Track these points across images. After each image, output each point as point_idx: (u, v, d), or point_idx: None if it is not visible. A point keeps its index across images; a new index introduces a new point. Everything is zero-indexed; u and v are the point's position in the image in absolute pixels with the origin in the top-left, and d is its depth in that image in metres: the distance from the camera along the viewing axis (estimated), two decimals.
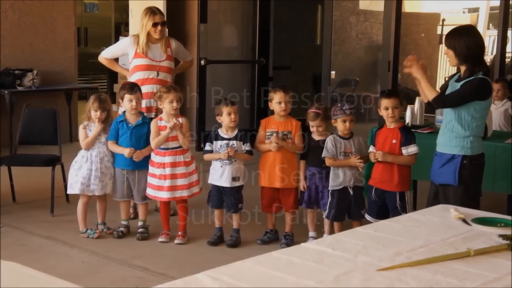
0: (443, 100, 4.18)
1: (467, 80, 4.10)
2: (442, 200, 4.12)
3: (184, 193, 5.05)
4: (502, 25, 8.86)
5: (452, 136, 4.18)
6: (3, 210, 5.76)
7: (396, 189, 4.64)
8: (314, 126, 4.96)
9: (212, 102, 7.53)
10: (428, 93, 4.18)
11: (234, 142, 4.96)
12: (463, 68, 4.18)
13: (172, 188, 5.01)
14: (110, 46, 5.97)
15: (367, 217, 4.77)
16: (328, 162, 4.84)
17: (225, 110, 4.94)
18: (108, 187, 5.17)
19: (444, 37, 4.23)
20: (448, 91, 4.25)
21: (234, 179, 4.98)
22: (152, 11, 5.58)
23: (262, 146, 5.07)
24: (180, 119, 5.05)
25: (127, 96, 5.09)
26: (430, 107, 4.29)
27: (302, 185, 5.04)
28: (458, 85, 4.15)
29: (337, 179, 4.83)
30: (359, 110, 10.51)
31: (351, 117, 4.81)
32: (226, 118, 4.94)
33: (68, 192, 5.31)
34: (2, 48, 8.48)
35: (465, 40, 4.11)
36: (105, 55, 5.81)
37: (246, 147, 4.99)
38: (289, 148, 5.01)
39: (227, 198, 5.04)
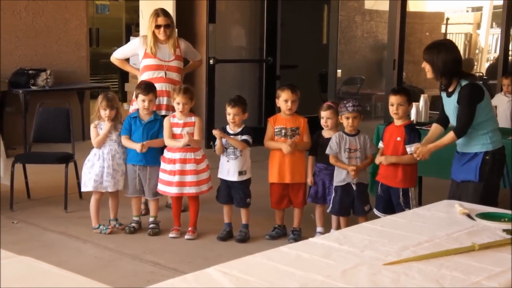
0: (459, 131, 4.16)
1: (458, 96, 4.11)
2: (463, 196, 4.08)
3: (192, 190, 5.05)
4: (505, 24, 8.82)
5: (471, 136, 4.17)
6: (18, 206, 5.79)
7: (399, 185, 4.63)
8: (324, 117, 4.94)
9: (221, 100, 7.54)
10: (450, 141, 4.22)
11: (238, 136, 4.98)
12: (442, 81, 4.21)
13: (181, 184, 5.01)
14: (121, 47, 6.00)
15: (375, 211, 4.76)
16: (330, 159, 4.85)
17: (227, 109, 4.98)
18: (120, 183, 5.18)
19: (423, 51, 4.24)
20: (446, 106, 4.28)
21: (240, 173, 4.99)
22: (156, 13, 5.59)
23: (272, 144, 5.06)
24: (192, 118, 5.08)
25: (140, 96, 5.13)
26: (461, 135, 4.27)
27: (309, 180, 5.04)
28: (452, 100, 4.17)
29: (341, 175, 4.82)
30: (364, 108, 10.48)
31: (354, 115, 4.78)
32: (227, 117, 4.99)
33: (82, 189, 5.32)
34: (17, 49, 8.52)
35: (441, 56, 4.12)
36: (117, 56, 5.84)
37: (244, 136, 4.97)
38: (301, 148, 5.02)
39: (235, 193, 5.05)
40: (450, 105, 4.20)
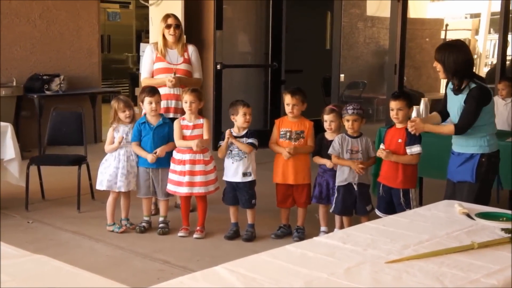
0: (460, 129, 4.13)
1: (466, 95, 4.07)
2: (458, 196, 4.06)
3: (201, 190, 5.05)
4: (502, 30, 8.81)
5: (468, 137, 4.14)
6: (33, 207, 5.81)
7: (400, 186, 4.61)
8: (327, 120, 4.94)
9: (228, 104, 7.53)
10: (446, 132, 4.22)
11: (244, 139, 4.97)
12: (453, 81, 4.16)
13: (190, 184, 5.02)
14: (142, 66, 5.83)
15: (376, 212, 4.75)
16: (332, 159, 4.84)
17: (241, 110, 4.95)
18: (132, 184, 5.19)
19: (434, 50, 4.19)
20: (449, 102, 4.24)
21: (244, 174, 4.98)
22: (166, 15, 5.67)
23: (276, 148, 5.06)
24: (201, 120, 5.09)
25: (147, 99, 5.13)
26: (460, 132, 4.23)
27: (329, 163, 4.89)
28: (458, 98, 4.13)
29: (342, 175, 4.82)
30: (367, 111, 10.46)
31: (354, 117, 4.77)
32: (240, 118, 4.95)
33: (97, 187, 5.29)
34: (32, 55, 8.56)
35: (453, 56, 4.06)
36: (145, 75, 5.64)
37: (249, 140, 4.96)
38: (303, 152, 5.02)
39: (241, 195, 5.04)
40: (456, 103, 4.16)
